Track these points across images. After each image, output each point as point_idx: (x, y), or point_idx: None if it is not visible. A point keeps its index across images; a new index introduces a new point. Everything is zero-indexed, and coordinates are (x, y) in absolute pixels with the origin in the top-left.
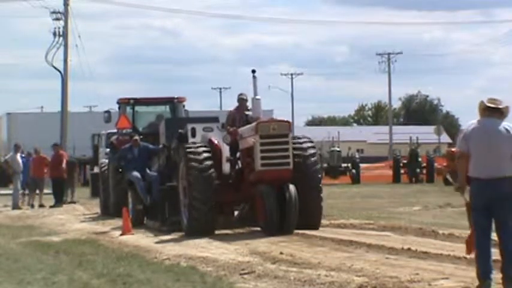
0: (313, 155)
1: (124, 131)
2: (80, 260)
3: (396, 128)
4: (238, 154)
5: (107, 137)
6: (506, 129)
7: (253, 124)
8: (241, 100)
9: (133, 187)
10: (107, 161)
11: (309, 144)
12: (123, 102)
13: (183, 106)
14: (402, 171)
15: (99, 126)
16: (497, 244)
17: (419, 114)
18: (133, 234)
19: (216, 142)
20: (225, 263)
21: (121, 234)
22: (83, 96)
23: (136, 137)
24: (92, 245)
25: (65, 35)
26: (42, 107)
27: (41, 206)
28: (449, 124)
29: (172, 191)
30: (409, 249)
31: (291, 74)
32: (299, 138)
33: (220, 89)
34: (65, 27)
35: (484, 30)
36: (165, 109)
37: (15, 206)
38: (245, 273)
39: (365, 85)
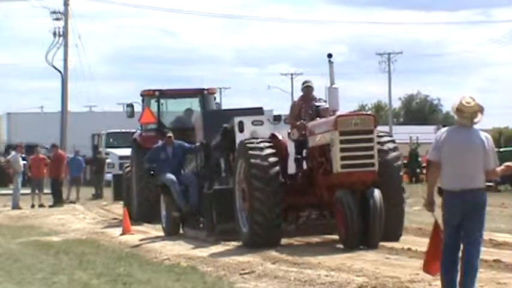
0: (394, 150)
1: (148, 127)
2: (80, 260)
3: (396, 128)
4: (304, 152)
5: (106, 137)
6: (480, 138)
7: (331, 118)
8: (307, 88)
9: (168, 192)
10: (108, 161)
11: (389, 139)
12: (147, 95)
13: (214, 98)
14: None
15: (99, 126)
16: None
17: (419, 114)
18: (133, 234)
19: (280, 138)
20: (225, 263)
21: (121, 234)
22: (83, 96)
23: (170, 134)
24: (92, 245)
25: (65, 35)
26: (42, 107)
27: (41, 206)
28: (450, 124)
29: (221, 195)
30: (409, 249)
31: (291, 74)
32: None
33: (220, 89)
34: (65, 27)
35: (484, 30)
36: (195, 101)
37: (15, 206)
38: (245, 273)
39: (365, 85)
